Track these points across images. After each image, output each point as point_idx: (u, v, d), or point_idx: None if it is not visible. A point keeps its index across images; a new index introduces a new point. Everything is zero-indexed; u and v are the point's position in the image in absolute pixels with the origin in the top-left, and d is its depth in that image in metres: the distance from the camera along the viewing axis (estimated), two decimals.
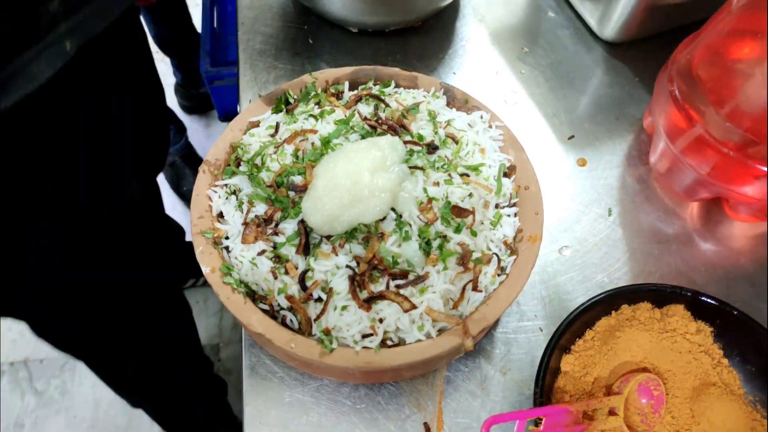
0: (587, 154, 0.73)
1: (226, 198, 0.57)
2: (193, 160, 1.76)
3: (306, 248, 0.52)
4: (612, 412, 0.51)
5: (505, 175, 0.59)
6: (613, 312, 0.56)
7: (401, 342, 0.50)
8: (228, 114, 1.72)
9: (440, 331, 0.50)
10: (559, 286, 0.64)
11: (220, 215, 0.56)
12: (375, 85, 0.65)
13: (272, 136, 0.60)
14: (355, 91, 0.64)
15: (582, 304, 0.54)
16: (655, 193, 0.70)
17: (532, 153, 0.72)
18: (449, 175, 0.56)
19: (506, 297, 0.52)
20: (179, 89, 1.92)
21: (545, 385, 0.51)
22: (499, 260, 0.53)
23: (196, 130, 1.95)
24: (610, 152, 0.73)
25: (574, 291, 0.63)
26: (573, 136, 0.74)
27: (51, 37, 0.54)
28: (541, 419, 0.48)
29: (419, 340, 0.49)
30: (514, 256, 0.54)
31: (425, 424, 0.55)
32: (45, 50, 0.54)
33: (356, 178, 0.52)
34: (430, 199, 0.53)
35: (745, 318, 0.53)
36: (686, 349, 0.55)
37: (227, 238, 0.54)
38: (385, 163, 0.53)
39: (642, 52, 0.82)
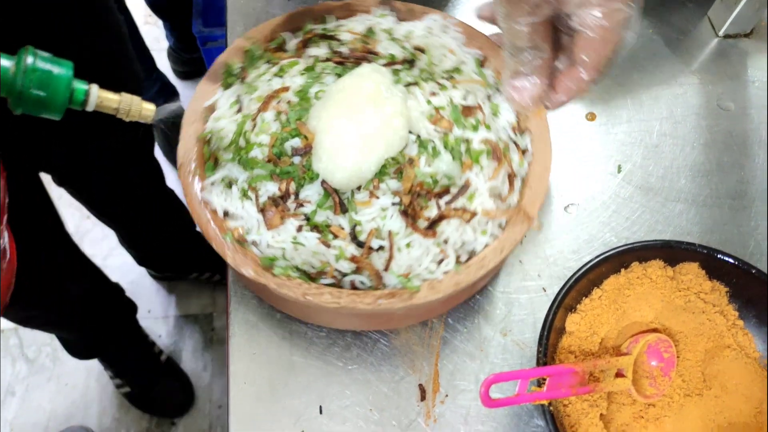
0: (597, 108, 0.69)
1: (224, 194, 0.51)
2: None
3: (342, 206, 0.48)
4: (620, 374, 0.48)
5: (481, 66, 0.57)
6: (623, 270, 0.52)
7: (472, 254, 0.49)
8: None
9: (501, 228, 0.50)
10: (564, 245, 0.60)
11: (227, 214, 0.50)
12: (315, 25, 0.59)
13: (239, 111, 0.54)
14: (299, 38, 0.58)
15: (590, 261, 0.50)
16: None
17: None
18: (438, 82, 0.54)
19: (542, 173, 0.51)
20: (172, 54, 1.86)
21: (549, 345, 0.48)
22: (516, 144, 0.53)
23: (189, 96, 1.90)
24: (620, 107, 0.69)
25: (580, 250, 0.60)
26: None
27: None
28: (545, 379, 0.45)
29: (487, 245, 0.49)
30: (528, 135, 0.53)
31: (420, 386, 0.52)
32: None
33: (361, 116, 0.48)
34: (437, 109, 0.51)
35: (764, 277, 0.50)
36: (699, 309, 0.51)
37: (248, 233, 0.49)
38: (380, 90, 0.49)
39: (658, 2, 0.77)
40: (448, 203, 0.49)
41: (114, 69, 0.88)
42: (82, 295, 1.08)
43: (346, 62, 0.55)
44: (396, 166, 0.49)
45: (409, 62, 0.56)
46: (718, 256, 0.51)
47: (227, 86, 0.56)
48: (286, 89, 0.53)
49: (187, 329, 1.50)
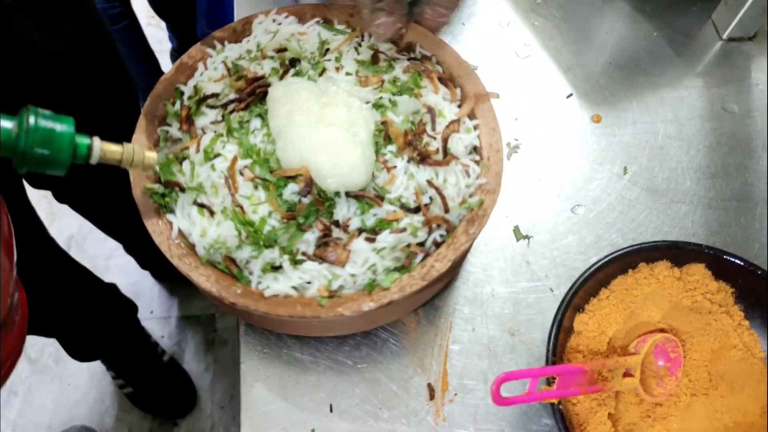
0: (602, 110, 0.69)
1: (279, 278, 0.47)
2: None
3: (378, 197, 0.49)
4: (627, 374, 0.49)
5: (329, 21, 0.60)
6: (630, 271, 0.53)
7: (478, 151, 0.54)
8: None
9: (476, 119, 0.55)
10: (571, 247, 0.61)
11: (297, 289, 0.47)
12: (178, 101, 0.55)
13: (212, 214, 0.49)
14: (177, 121, 0.54)
15: (597, 261, 0.51)
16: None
17: (545, 108, 0.69)
18: (328, 59, 0.56)
19: (454, 60, 0.57)
20: (175, 55, 1.86)
21: (558, 345, 0.48)
22: (414, 58, 0.58)
23: None
24: (626, 109, 0.70)
25: (587, 251, 0.60)
26: (571, 95, 0.70)
27: None
28: (554, 378, 0.45)
29: (479, 136, 0.54)
30: (415, 47, 0.58)
31: (429, 385, 0.53)
32: None
33: (328, 121, 0.49)
34: (356, 72, 0.55)
35: None
36: (706, 309, 0.52)
37: (331, 284, 0.47)
38: (315, 91, 0.51)
39: (662, 5, 0.78)
40: (434, 130, 0.53)
41: (113, 68, 0.89)
42: (80, 295, 1.08)
43: (250, 102, 0.53)
44: (381, 135, 0.52)
45: (292, 62, 0.55)
46: (725, 257, 0.51)
47: (174, 202, 0.50)
48: (234, 160, 0.50)
49: (189, 330, 1.50)
